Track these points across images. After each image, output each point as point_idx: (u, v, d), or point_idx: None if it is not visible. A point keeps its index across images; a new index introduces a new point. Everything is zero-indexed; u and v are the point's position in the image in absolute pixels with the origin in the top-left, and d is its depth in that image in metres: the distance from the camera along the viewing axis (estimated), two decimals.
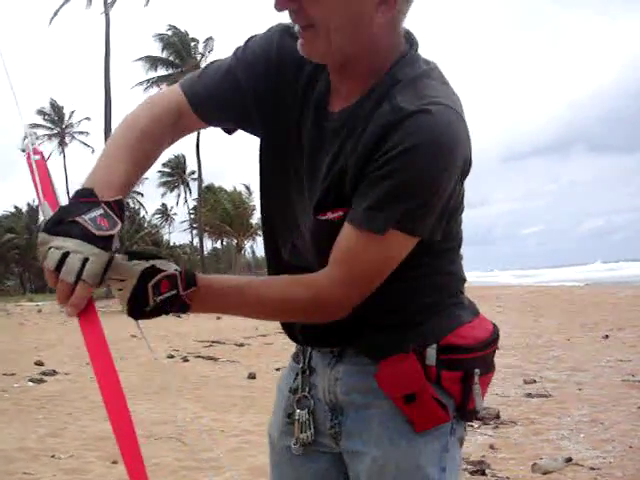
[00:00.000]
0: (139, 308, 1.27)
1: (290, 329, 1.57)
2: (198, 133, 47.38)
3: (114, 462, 5.10)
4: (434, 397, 1.39)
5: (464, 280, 1.57)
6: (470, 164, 1.34)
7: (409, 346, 1.40)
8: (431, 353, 1.40)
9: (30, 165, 1.37)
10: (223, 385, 9.30)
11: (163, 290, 1.27)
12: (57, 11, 40.08)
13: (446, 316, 1.45)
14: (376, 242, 1.28)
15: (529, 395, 7.34)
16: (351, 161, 1.32)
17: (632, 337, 12.67)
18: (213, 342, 14.94)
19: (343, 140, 1.35)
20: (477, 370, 1.42)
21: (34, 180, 1.35)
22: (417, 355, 1.40)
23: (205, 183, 51.05)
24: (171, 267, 1.28)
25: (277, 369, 10.58)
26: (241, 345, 14.58)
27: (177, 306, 1.30)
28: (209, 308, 1.36)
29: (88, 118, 63.31)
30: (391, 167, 1.24)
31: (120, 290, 1.27)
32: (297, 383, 1.58)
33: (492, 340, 1.48)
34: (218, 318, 24.22)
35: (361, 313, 1.38)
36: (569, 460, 4.78)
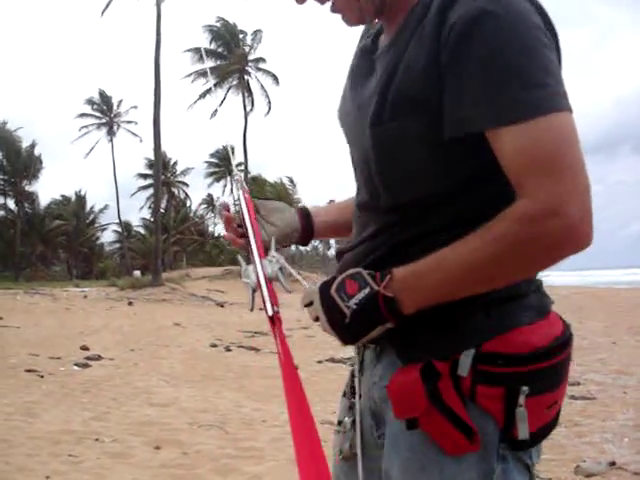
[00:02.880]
0: (341, 325, 1.19)
1: None
2: (245, 125, 47.71)
3: (157, 447, 5.19)
4: (457, 420, 1.14)
5: None
6: (552, 27, 1.16)
7: (430, 351, 1.18)
8: (465, 361, 1.14)
9: (246, 202, 1.53)
10: (264, 375, 9.35)
11: (351, 291, 1.18)
12: (109, 2, 40.57)
13: (497, 314, 1.17)
14: (543, 124, 1.04)
15: (573, 397, 7.24)
16: (417, 57, 1.16)
17: None
18: (256, 333, 15.04)
19: (397, 50, 1.23)
20: (525, 388, 1.13)
21: (247, 216, 1.49)
22: (446, 362, 1.16)
23: (251, 174, 51.17)
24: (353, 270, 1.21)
25: (319, 362, 10.61)
26: None
27: (382, 306, 1.15)
28: (420, 295, 1.15)
29: (135, 107, 64.05)
30: (473, 43, 1.08)
31: (318, 320, 1.23)
32: (347, 385, 1.40)
33: (554, 348, 1.17)
34: (261, 309, 24.40)
35: None
36: (613, 464, 4.71)
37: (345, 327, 1.18)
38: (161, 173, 44.63)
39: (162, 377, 9.07)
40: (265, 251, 1.43)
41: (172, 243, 67.85)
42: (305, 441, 1.25)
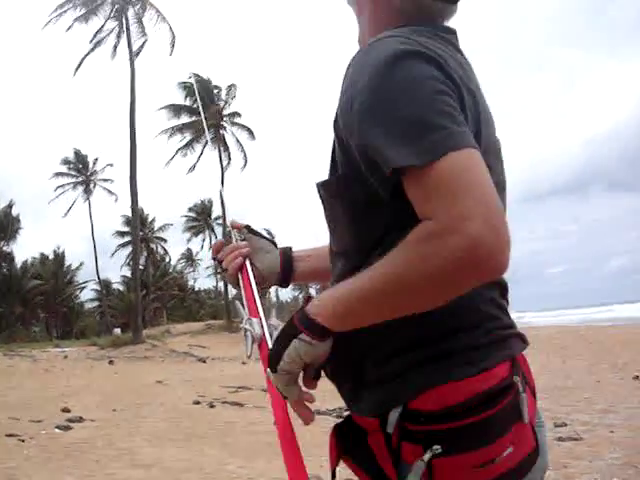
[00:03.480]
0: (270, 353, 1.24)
1: None
2: (222, 179, 47.87)
3: None
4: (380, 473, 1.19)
5: (492, 302, 1.25)
6: (452, 79, 1.16)
7: (366, 407, 1.22)
8: (392, 418, 1.16)
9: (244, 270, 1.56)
10: (249, 431, 9.23)
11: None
12: (81, 61, 40.90)
13: (429, 371, 1.16)
14: (443, 164, 1.04)
15: (560, 439, 7.21)
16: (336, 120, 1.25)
17: None
18: (239, 387, 14.89)
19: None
20: (436, 447, 1.12)
21: (245, 281, 1.55)
22: (377, 418, 1.19)
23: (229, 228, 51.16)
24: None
25: None
26: (266, 390, 14.43)
27: (294, 318, 1.19)
28: (342, 314, 1.14)
29: (111, 164, 64.04)
30: (351, 94, 1.16)
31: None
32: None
33: (476, 405, 1.13)
34: (243, 363, 24.18)
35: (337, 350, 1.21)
36: None
37: (271, 352, 1.23)
38: (139, 230, 44.60)
39: (145, 437, 8.91)
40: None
41: (152, 299, 67.44)
42: None
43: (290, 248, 1.66)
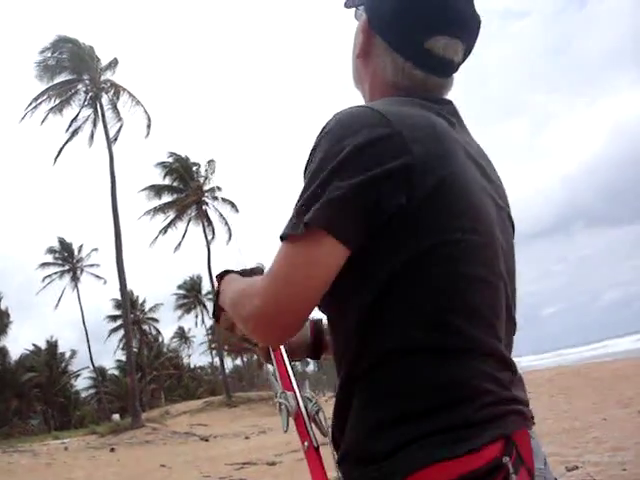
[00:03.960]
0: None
1: None
2: (209, 254, 47.87)
3: None
4: None
5: (486, 376, 1.20)
6: (409, 168, 1.16)
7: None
8: None
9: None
10: None
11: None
12: (60, 150, 41.26)
13: (420, 445, 1.13)
14: (288, 246, 1.19)
15: None
16: None
17: None
18: (244, 464, 14.65)
19: None
20: None
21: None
22: None
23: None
24: None
25: None
26: (272, 464, 14.22)
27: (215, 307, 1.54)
28: (225, 295, 1.45)
29: (96, 249, 64.12)
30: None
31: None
32: None
33: None
34: (246, 438, 23.81)
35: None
36: None
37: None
38: (130, 312, 44.30)
39: None
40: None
41: (148, 381, 66.64)
42: None
43: (321, 320, 1.64)
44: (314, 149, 1.23)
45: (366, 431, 1.18)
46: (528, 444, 1.21)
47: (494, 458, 1.12)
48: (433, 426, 1.13)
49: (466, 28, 1.37)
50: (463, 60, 1.40)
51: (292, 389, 1.45)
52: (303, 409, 1.40)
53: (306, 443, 1.27)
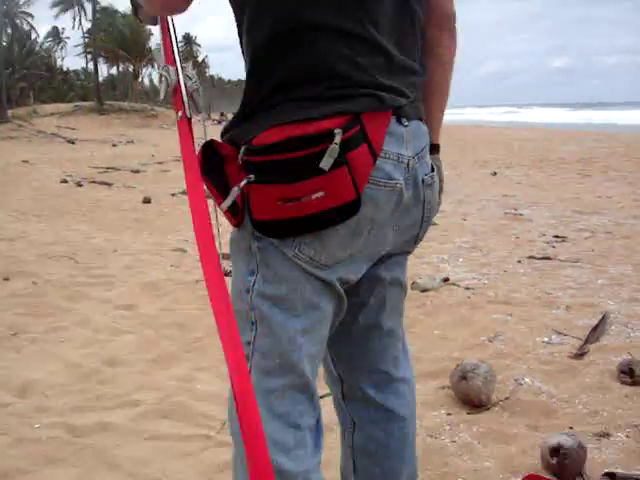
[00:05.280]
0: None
1: None
2: None
3: (5, 279, 5.09)
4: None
5: (343, 59, 1.27)
6: None
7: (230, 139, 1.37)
8: (242, 151, 1.31)
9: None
10: (117, 209, 9.25)
11: None
12: None
13: (280, 109, 1.28)
14: None
15: None
16: None
17: (518, 175, 13.26)
18: (108, 168, 14.72)
19: None
20: (250, 176, 1.27)
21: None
22: (236, 150, 1.34)
23: (101, 4, 48.08)
24: None
25: (172, 194, 10.60)
26: (137, 171, 14.46)
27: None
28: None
29: None
30: None
31: None
32: None
33: (281, 146, 1.25)
34: (114, 146, 23.69)
35: None
36: (446, 280, 5.07)
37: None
38: (2, 4, 41.04)
39: (9, 213, 8.79)
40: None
41: (17, 79, 63.61)
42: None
43: None
44: None
45: (238, 111, 1.34)
46: (381, 127, 1.29)
47: (326, 129, 1.22)
48: (284, 99, 1.28)
49: None
50: None
51: (174, 64, 1.47)
52: (182, 83, 1.44)
53: (180, 113, 1.37)
